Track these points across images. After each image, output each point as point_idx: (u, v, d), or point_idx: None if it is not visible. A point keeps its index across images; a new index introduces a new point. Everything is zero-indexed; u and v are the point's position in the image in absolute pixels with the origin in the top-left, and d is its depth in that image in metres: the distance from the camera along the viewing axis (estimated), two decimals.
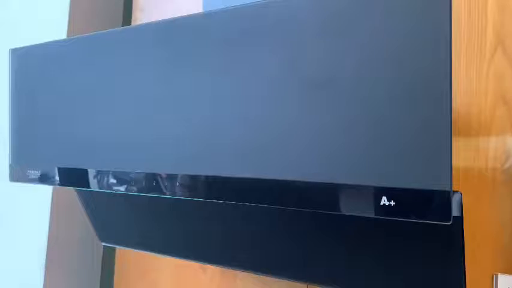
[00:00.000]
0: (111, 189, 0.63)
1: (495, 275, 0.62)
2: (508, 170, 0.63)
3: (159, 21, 0.57)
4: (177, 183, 0.56)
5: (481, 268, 0.64)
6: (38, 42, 0.72)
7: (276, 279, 0.82)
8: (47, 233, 0.96)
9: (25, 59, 0.72)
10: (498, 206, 0.63)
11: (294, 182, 0.44)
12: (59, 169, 0.68)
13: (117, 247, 1.00)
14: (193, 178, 0.54)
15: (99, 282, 1.09)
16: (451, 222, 0.37)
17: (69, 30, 0.97)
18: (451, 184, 0.37)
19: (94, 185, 0.64)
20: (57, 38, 0.96)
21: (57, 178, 0.68)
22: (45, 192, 0.98)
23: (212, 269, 0.91)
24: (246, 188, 0.48)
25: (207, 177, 0.53)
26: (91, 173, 0.65)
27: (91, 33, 0.65)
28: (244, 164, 0.48)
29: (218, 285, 0.90)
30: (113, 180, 0.63)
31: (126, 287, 1.03)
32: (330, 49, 0.43)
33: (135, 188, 0.60)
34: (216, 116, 0.51)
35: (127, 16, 1.10)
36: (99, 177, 0.64)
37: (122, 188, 0.62)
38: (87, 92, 0.64)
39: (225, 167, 0.51)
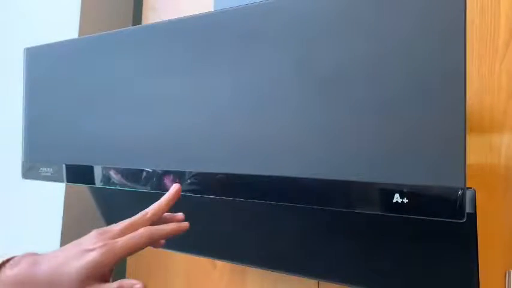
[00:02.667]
0: (115, 186, 0.64)
1: (508, 271, 0.62)
2: None
3: (170, 20, 0.58)
4: (188, 180, 0.56)
5: (494, 265, 0.63)
6: (50, 42, 0.72)
7: (286, 276, 0.82)
8: (60, 230, 0.97)
9: (39, 58, 0.73)
10: (511, 202, 0.63)
11: (307, 179, 0.44)
12: (67, 166, 0.69)
13: None
14: (204, 176, 0.55)
15: (111, 279, 1.10)
16: (464, 219, 0.37)
17: (81, 29, 0.98)
18: (465, 181, 0.37)
19: (99, 182, 0.65)
20: (68, 37, 0.97)
21: (64, 175, 0.69)
22: (58, 188, 0.99)
23: (222, 265, 0.92)
24: (261, 186, 0.48)
25: (216, 174, 0.53)
26: (97, 170, 0.66)
27: (103, 33, 0.66)
28: (258, 162, 0.48)
29: (228, 281, 0.91)
30: (119, 177, 0.64)
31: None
32: (344, 46, 0.43)
33: (141, 185, 0.61)
34: (225, 113, 0.51)
35: (137, 15, 1.10)
36: (104, 174, 0.65)
37: (129, 185, 0.62)
38: (99, 90, 0.65)
39: (237, 164, 0.51)
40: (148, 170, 0.60)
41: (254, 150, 0.49)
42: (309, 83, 0.45)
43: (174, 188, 0.52)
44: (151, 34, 0.60)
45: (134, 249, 0.46)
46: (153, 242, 0.48)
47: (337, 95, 0.43)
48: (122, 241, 0.46)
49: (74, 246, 0.47)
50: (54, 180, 0.71)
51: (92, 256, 0.44)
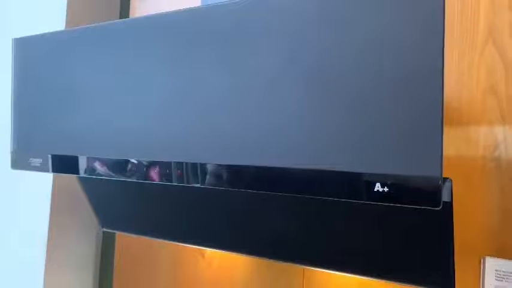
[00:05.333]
0: (101, 176, 0.65)
1: (483, 258, 0.65)
2: (497, 158, 0.66)
3: (160, 14, 0.59)
4: (174, 171, 0.58)
5: (471, 251, 0.66)
6: (37, 31, 0.73)
7: (273, 263, 0.84)
8: (48, 218, 0.98)
9: (28, 49, 0.73)
10: (488, 192, 0.66)
11: (293, 169, 0.46)
12: (53, 156, 0.70)
13: (118, 233, 1.02)
14: (192, 166, 0.56)
15: (99, 267, 1.11)
16: (440, 207, 0.39)
17: (68, 19, 0.98)
18: (441, 171, 0.39)
19: (84, 172, 0.67)
20: (55, 26, 0.97)
21: (50, 165, 0.70)
22: (46, 177, 1.00)
23: (211, 254, 0.94)
24: (248, 176, 0.50)
25: (203, 164, 0.55)
26: (82, 160, 0.67)
27: (91, 25, 0.66)
28: (244, 153, 0.50)
29: (217, 269, 0.93)
30: (104, 168, 0.65)
31: (126, 272, 1.05)
32: (328, 43, 0.45)
33: (127, 175, 0.62)
34: (211, 105, 0.53)
35: (125, 5, 1.10)
36: (90, 164, 0.66)
37: (115, 175, 0.64)
38: (87, 82, 0.65)
39: (223, 155, 0.53)
40: (133, 160, 0.61)
41: (240, 141, 0.51)
42: (294, 77, 0.47)
43: None
44: (140, 27, 0.61)
45: None
46: None
47: (322, 88, 0.45)
48: None
49: None
50: (42, 171, 0.72)
51: None
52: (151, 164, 0.60)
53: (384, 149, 0.41)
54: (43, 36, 0.72)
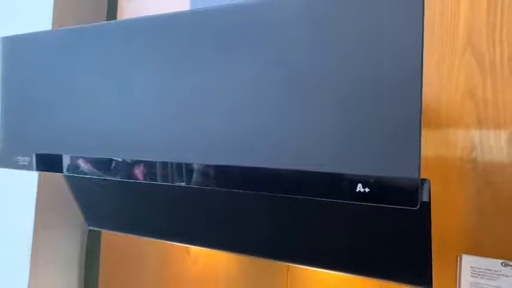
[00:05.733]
0: (85, 174, 0.66)
1: (460, 255, 0.68)
2: (474, 160, 0.68)
3: (145, 17, 0.60)
4: (159, 170, 0.59)
5: (448, 249, 0.69)
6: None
7: (258, 260, 0.86)
8: (33, 216, 0.98)
9: (16, 48, 0.73)
10: (464, 193, 0.69)
11: (276, 169, 0.48)
12: (37, 155, 0.71)
13: (104, 231, 1.03)
14: (177, 166, 0.58)
15: (85, 265, 1.12)
16: (418, 207, 0.41)
17: (54, 18, 0.98)
18: (419, 173, 0.41)
19: (67, 170, 0.68)
20: (41, 25, 0.97)
21: (34, 164, 0.71)
22: (31, 175, 1.00)
23: (196, 251, 0.95)
24: (233, 176, 0.51)
25: (188, 164, 0.56)
26: (65, 159, 0.68)
27: (79, 26, 0.67)
28: (229, 154, 0.52)
29: (202, 266, 0.94)
30: (88, 166, 0.66)
31: (112, 270, 1.06)
32: (310, 46, 0.47)
33: (111, 174, 0.64)
34: (196, 107, 0.54)
35: (112, 5, 1.10)
36: (73, 163, 0.67)
37: (99, 173, 0.65)
38: (73, 81, 0.66)
39: (208, 156, 0.54)
40: (118, 159, 0.63)
41: (224, 141, 0.52)
42: (277, 79, 0.48)
43: None
44: (125, 29, 0.62)
45: None
46: None
47: (304, 90, 0.47)
48: None
49: None
50: (28, 169, 0.72)
51: None
52: (136, 163, 0.61)
53: (365, 151, 0.43)
54: (31, 36, 0.72)
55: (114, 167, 0.63)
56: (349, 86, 0.44)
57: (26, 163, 0.72)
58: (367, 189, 0.43)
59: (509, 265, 0.64)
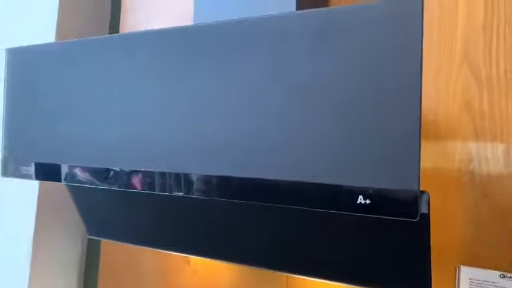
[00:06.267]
0: (83, 183, 0.67)
1: (459, 266, 0.69)
2: (471, 172, 0.69)
3: (149, 30, 0.61)
4: (158, 180, 0.60)
5: (447, 260, 0.70)
6: (29, 39, 0.74)
7: (257, 270, 0.86)
8: (34, 222, 0.99)
9: (21, 59, 0.74)
10: (462, 204, 0.70)
11: (279, 181, 0.49)
12: (36, 164, 0.72)
13: (104, 240, 1.03)
14: (175, 176, 0.58)
15: (84, 272, 1.12)
16: (418, 219, 0.42)
17: (58, 29, 0.99)
18: (418, 185, 0.42)
19: (65, 179, 0.68)
20: (45, 36, 0.98)
21: (33, 172, 0.72)
22: (32, 181, 1.00)
23: (196, 261, 0.95)
24: (232, 187, 0.52)
25: (185, 174, 0.57)
26: (64, 168, 0.69)
27: (84, 38, 0.68)
28: (229, 164, 0.53)
29: (202, 276, 0.94)
30: (86, 175, 0.67)
31: (111, 278, 1.06)
32: (311, 60, 0.48)
33: (109, 182, 0.65)
34: (195, 118, 0.55)
35: (116, 15, 1.12)
36: (73, 172, 0.68)
37: (97, 182, 0.66)
38: (77, 92, 0.67)
39: (201, 165, 0.55)
40: (116, 168, 0.63)
41: (224, 152, 0.53)
42: (277, 91, 0.50)
43: None
44: (129, 42, 0.63)
45: None
46: None
47: (305, 103, 0.48)
48: None
49: None
50: (29, 179, 0.73)
51: None
52: (134, 173, 0.62)
53: (365, 163, 0.44)
54: (37, 47, 0.74)
55: (111, 176, 0.64)
56: (349, 99, 0.45)
57: (28, 172, 0.73)
58: (368, 201, 0.44)
59: (507, 277, 0.65)
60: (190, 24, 0.60)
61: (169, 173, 0.58)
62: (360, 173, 0.44)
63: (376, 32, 0.45)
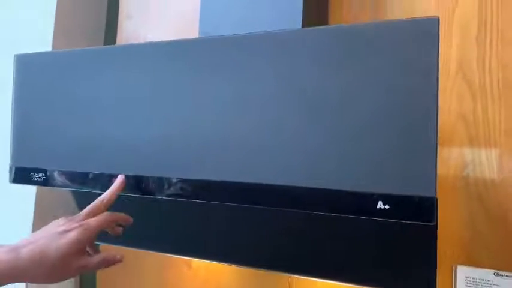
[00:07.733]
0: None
1: (454, 266, 0.73)
2: (466, 177, 0.74)
3: (159, 42, 0.64)
4: (167, 186, 0.63)
5: (444, 260, 0.74)
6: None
7: (260, 272, 0.88)
8: (32, 223, 0.99)
9: (28, 65, 0.75)
10: (458, 208, 0.74)
11: (303, 188, 0.52)
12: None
13: (103, 244, 1.03)
14: (185, 181, 0.61)
15: (82, 276, 1.11)
16: (434, 223, 0.46)
17: (55, 38, 1.00)
18: (435, 192, 0.46)
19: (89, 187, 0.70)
20: (42, 44, 0.99)
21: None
22: (29, 189, 1.00)
23: (197, 264, 0.96)
24: (259, 193, 0.55)
25: (196, 180, 0.60)
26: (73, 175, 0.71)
27: (91, 48, 0.71)
28: (255, 172, 0.55)
29: (203, 279, 0.96)
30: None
31: (110, 282, 1.06)
32: (341, 78, 0.51)
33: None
34: (213, 128, 0.58)
35: (113, 23, 1.11)
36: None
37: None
38: (79, 100, 0.69)
39: (223, 172, 0.58)
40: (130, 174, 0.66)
41: (250, 161, 0.56)
42: (303, 105, 0.52)
43: (120, 178, 0.64)
44: (133, 53, 0.66)
45: (105, 226, 0.59)
46: (115, 222, 0.62)
47: (334, 118, 0.51)
48: (93, 221, 0.57)
49: (48, 230, 0.56)
50: (39, 185, 0.74)
51: (72, 235, 0.54)
52: (140, 178, 0.65)
53: (386, 171, 0.48)
54: (45, 54, 0.74)
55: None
56: (373, 111, 0.48)
57: (38, 178, 0.74)
58: (387, 206, 0.47)
59: (500, 275, 0.69)
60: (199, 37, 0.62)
61: (176, 179, 0.62)
62: (380, 180, 0.48)
63: (393, 50, 0.48)
